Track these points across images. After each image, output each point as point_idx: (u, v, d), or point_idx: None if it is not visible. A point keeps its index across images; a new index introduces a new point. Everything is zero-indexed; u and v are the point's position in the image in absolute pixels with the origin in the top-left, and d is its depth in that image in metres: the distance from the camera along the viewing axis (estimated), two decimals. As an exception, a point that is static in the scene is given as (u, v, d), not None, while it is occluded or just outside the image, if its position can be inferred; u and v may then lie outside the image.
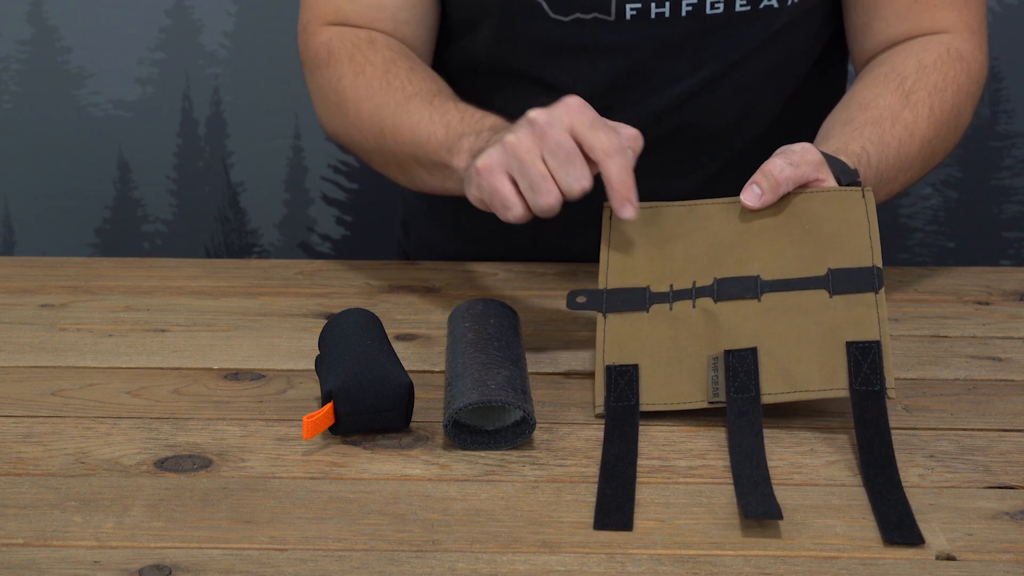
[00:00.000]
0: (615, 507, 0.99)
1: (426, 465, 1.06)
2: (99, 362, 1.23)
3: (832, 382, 1.09)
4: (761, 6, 1.41)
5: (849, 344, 1.10)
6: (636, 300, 1.17)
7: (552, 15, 1.41)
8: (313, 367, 1.17)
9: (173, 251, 2.09)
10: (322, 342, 1.15)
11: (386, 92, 1.37)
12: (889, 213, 2.07)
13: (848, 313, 1.12)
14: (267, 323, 1.31)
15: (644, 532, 0.97)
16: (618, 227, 1.22)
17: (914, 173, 1.39)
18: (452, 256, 1.56)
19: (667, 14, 1.40)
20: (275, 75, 2.01)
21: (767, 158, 1.34)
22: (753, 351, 1.11)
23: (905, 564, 0.93)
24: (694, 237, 1.19)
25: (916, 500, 1.01)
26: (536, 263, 1.47)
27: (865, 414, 1.07)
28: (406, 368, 1.12)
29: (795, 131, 1.41)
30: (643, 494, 1.02)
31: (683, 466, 1.06)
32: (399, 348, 1.22)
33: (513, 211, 1.17)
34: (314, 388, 1.17)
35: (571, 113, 1.17)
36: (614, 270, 1.19)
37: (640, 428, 1.10)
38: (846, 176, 1.25)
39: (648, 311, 1.16)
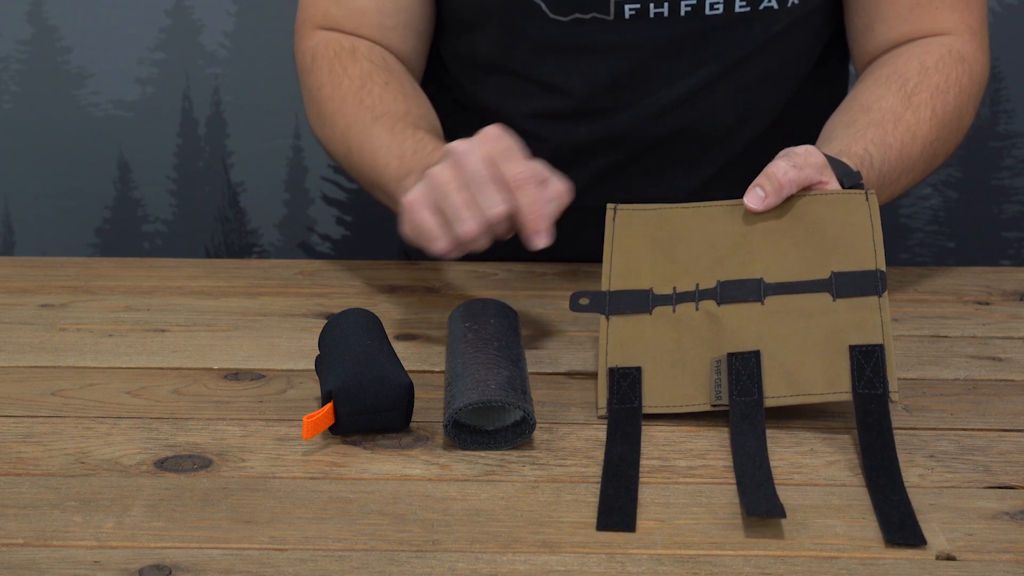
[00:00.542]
0: (618, 508, 0.99)
1: (426, 465, 1.06)
2: (99, 362, 1.23)
3: (835, 386, 1.09)
4: (761, 7, 1.41)
5: (852, 348, 1.10)
6: (639, 302, 1.17)
7: (551, 15, 1.41)
8: (313, 367, 1.17)
9: (173, 251, 2.09)
10: (322, 342, 1.15)
11: (357, 110, 1.38)
12: (889, 213, 2.07)
13: (851, 316, 1.12)
14: (267, 323, 1.31)
15: (644, 532, 0.97)
16: (621, 229, 1.22)
17: (916, 175, 1.39)
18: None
19: (666, 14, 1.40)
20: (275, 75, 2.01)
21: (767, 158, 1.34)
22: (756, 354, 1.11)
23: (905, 564, 0.93)
24: (697, 239, 1.19)
25: (916, 500, 1.01)
26: (536, 263, 1.46)
27: (868, 417, 1.07)
28: (406, 368, 1.12)
29: (795, 131, 1.41)
30: (644, 494, 1.02)
31: (683, 466, 1.06)
32: (399, 348, 1.22)
33: (437, 243, 1.18)
34: (314, 388, 1.17)
35: (487, 143, 1.18)
36: (617, 272, 1.19)
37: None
38: (849, 179, 1.25)
39: (651, 313, 1.16)
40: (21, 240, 2.09)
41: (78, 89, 2.03)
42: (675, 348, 1.14)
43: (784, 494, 1.01)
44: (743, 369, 1.10)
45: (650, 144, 1.47)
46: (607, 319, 1.16)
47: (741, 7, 1.40)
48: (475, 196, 1.16)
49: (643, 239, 1.21)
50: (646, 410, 1.11)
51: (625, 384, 1.12)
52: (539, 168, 1.18)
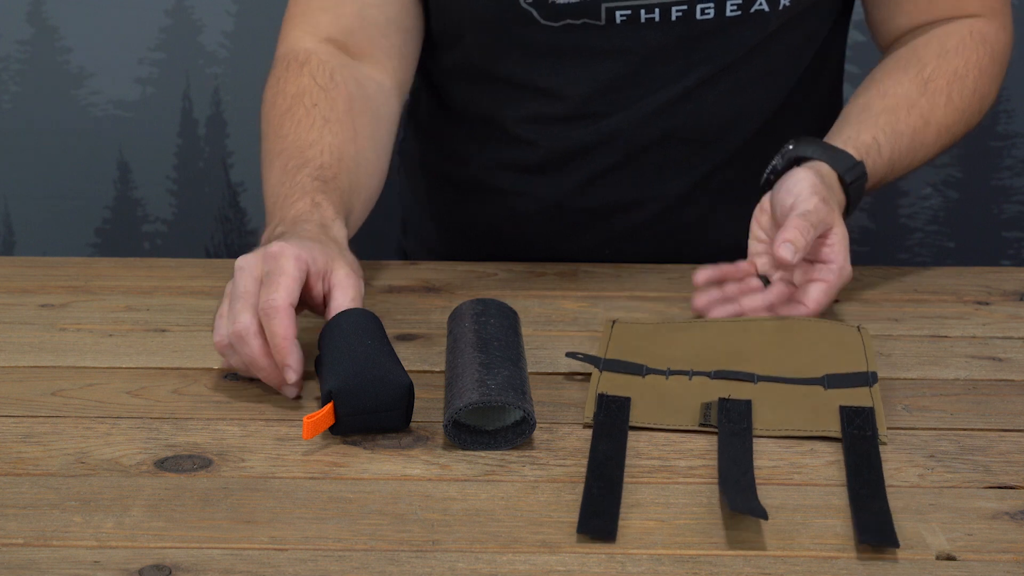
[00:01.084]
0: (600, 512, 0.99)
1: (426, 465, 1.06)
2: (99, 362, 1.23)
3: (825, 426, 1.10)
4: (752, 10, 1.40)
5: (842, 407, 1.12)
6: (632, 368, 1.18)
7: (543, 22, 1.41)
8: (313, 367, 1.17)
9: (173, 251, 2.09)
10: (322, 342, 1.15)
11: (274, 139, 1.36)
12: (889, 213, 2.07)
13: (842, 395, 1.14)
14: (267, 323, 1.31)
15: (644, 532, 0.97)
16: (619, 332, 1.24)
17: (930, 154, 1.42)
18: (451, 256, 1.56)
19: (657, 19, 1.40)
20: (275, 75, 2.01)
21: (760, 160, 1.36)
22: (747, 401, 1.12)
23: (905, 564, 0.93)
24: (692, 344, 1.22)
25: (916, 500, 1.01)
26: (536, 263, 1.47)
27: (856, 447, 1.07)
28: (406, 368, 1.12)
29: (788, 133, 1.41)
30: (643, 494, 1.02)
31: (683, 466, 1.06)
32: (399, 348, 1.22)
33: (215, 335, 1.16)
34: (314, 388, 1.17)
35: (266, 261, 1.16)
36: (612, 354, 1.21)
37: (640, 429, 1.11)
38: (850, 173, 1.29)
39: (643, 377, 1.17)
40: (21, 240, 2.09)
41: (78, 89, 2.03)
42: (666, 391, 1.15)
43: (784, 494, 1.01)
44: (733, 409, 1.11)
45: (643, 147, 1.47)
46: (600, 372, 1.17)
47: (732, 11, 1.40)
48: (231, 309, 1.14)
49: (640, 340, 1.23)
50: (633, 422, 1.11)
51: (614, 406, 1.12)
52: (291, 297, 1.13)
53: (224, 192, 2.07)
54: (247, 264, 1.16)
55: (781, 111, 1.49)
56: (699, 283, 1.28)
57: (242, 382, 1.19)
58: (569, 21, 1.40)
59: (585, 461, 1.06)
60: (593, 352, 1.21)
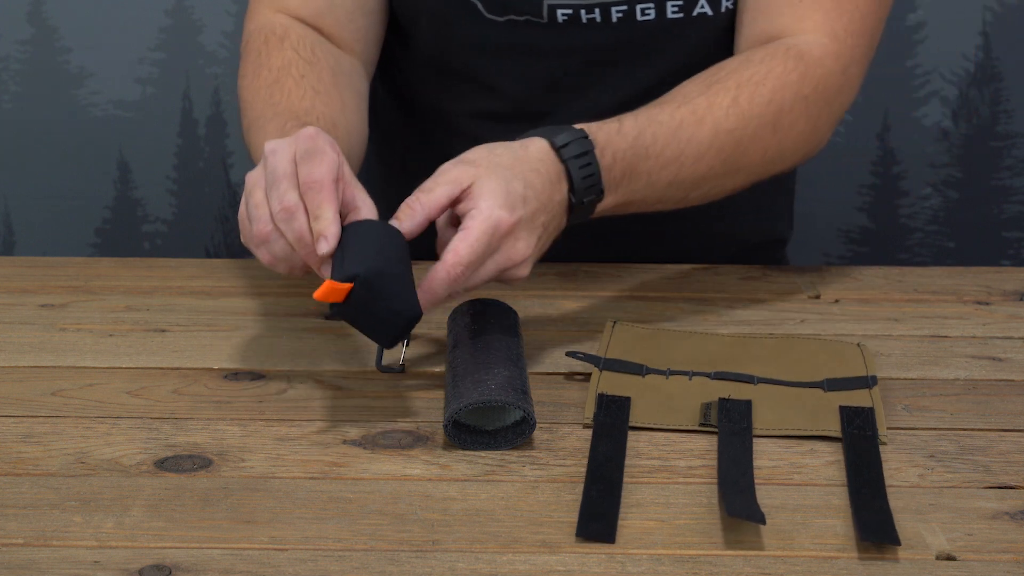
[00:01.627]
0: (599, 514, 0.99)
1: (426, 465, 1.06)
2: (99, 362, 1.23)
3: (825, 426, 1.11)
4: (694, 13, 1.39)
5: (842, 407, 1.12)
6: (632, 368, 1.18)
7: (487, 15, 1.41)
8: (312, 367, 1.17)
9: (173, 251, 2.09)
10: (349, 229, 1.12)
11: (263, 107, 1.34)
12: (889, 213, 2.07)
13: (842, 396, 1.14)
14: (267, 323, 1.31)
15: (644, 532, 0.97)
16: (619, 334, 1.24)
17: (715, 162, 1.30)
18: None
19: (598, 19, 1.40)
20: (275, 75, 2.01)
21: None
22: (748, 401, 1.12)
23: (905, 564, 0.93)
24: (692, 350, 1.22)
25: (916, 500, 1.01)
26: (536, 263, 1.46)
27: (856, 447, 1.07)
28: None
29: None
30: (643, 494, 1.02)
31: (683, 466, 1.06)
32: (399, 348, 1.22)
33: (247, 244, 1.14)
34: (314, 388, 1.17)
35: (296, 142, 1.13)
36: (613, 354, 1.21)
37: (640, 429, 1.11)
38: (562, 137, 1.20)
39: (643, 377, 1.17)
40: (21, 240, 2.09)
41: (78, 89, 2.02)
42: (665, 391, 1.15)
43: (784, 494, 1.01)
44: (733, 409, 1.11)
45: None
46: (600, 372, 1.17)
47: (673, 12, 1.39)
48: (268, 192, 1.12)
49: (640, 340, 1.23)
50: (633, 423, 1.11)
51: (614, 406, 1.12)
52: (333, 173, 1.12)
53: (224, 192, 2.07)
54: (279, 147, 1.13)
55: None
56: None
57: (242, 382, 1.19)
58: (512, 17, 1.40)
59: (585, 461, 1.06)
60: (593, 352, 1.21)
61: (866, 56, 1.38)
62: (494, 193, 1.14)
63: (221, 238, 2.09)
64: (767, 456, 1.07)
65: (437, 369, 1.21)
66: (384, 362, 1.18)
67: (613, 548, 0.95)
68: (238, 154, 2.06)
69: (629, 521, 0.98)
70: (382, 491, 1.02)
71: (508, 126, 1.45)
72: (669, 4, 1.39)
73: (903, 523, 0.98)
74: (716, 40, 1.41)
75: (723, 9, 1.39)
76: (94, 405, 1.15)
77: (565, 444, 1.09)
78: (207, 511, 0.99)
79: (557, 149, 1.20)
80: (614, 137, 1.23)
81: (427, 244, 1.20)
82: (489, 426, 1.08)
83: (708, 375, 1.17)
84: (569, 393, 1.17)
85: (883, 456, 1.06)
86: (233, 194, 2.07)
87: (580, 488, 1.02)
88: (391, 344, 1.10)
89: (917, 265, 2.04)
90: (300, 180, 1.11)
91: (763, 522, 0.96)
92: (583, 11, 1.39)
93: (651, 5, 1.38)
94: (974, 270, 1.45)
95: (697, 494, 1.02)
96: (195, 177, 2.07)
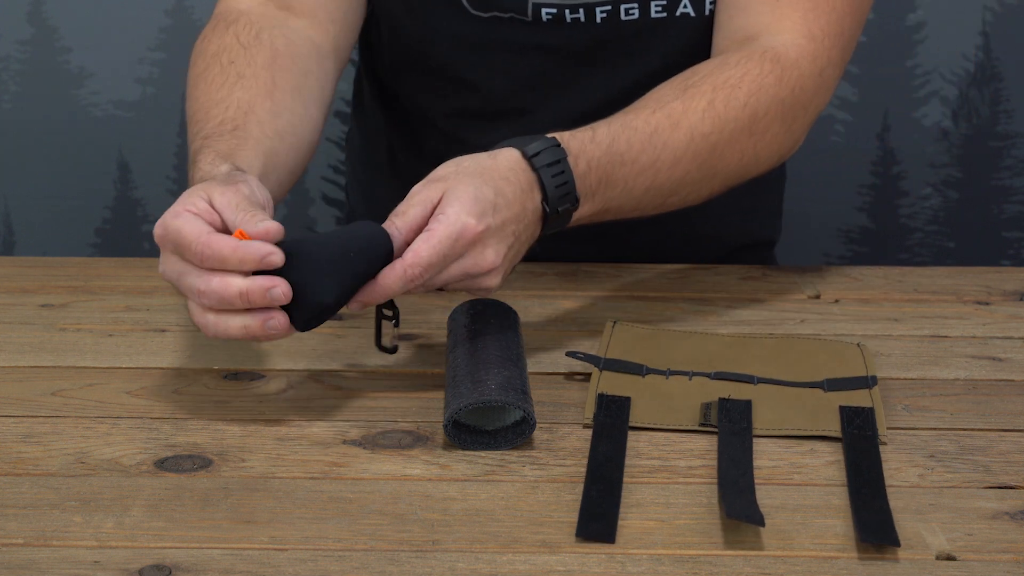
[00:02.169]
0: (599, 514, 0.99)
1: (426, 465, 1.06)
2: (99, 362, 1.23)
3: (824, 426, 1.11)
4: (678, 13, 1.39)
5: (842, 407, 1.12)
6: (633, 369, 1.18)
7: (471, 11, 1.41)
8: (312, 367, 1.17)
9: (173, 251, 2.09)
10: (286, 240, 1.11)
11: (189, 99, 1.33)
12: (889, 213, 2.07)
13: (842, 396, 1.14)
14: (267, 323, 1.31)
15: (644, 532, 0.97)
16: (619, 333, 1.24)
17: (694, 168, 1.29)
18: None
19: (582, 19, 1.40)
20: (275, 75, 2.01)
21: None
22: (748, 401, 1.12)
23: (905, 564, 0.93)
24: (692, 350, 1.22)
25: (916, 500, 1.01)
26: (536, 263, 1.46)
27: (856, 447, 1.07)
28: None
29: None
30: (643, 494, 1.02)
31: (683, 466, 1.06)
32: (399, 348, 1.22)
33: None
34: (314, 388, 1.17)
35: (163, 246, 1.10)
36: (613, 354, 1.21)
37: (640, 429, 1.11)
38: (532, 146, 1.19)
39: (643, 376, 1.17)
40: (21, 240, 2.09)
41: (78, 89, 2.03)
42: (665, 391, 1.15)
43: (784, 494, 1.01)
44: (733, 408, 1.11)
45: None
46: (600, 372, 1.17)
47: (657, 12, 1.39)
48: (187, 298, 1.11)
49: (640, 341, 1.23)
50: (633, 422, 1.11)
51: (614, 406, 1.12)
52: (203, 238, 1.08)
53: (224, 192, 2.07)
54: (162, 255, 1.11)
55: None
56: None
57: (242, 382, 1.19)
58: (497, 13, 1.41)
59: (585, 461, 1.06)
60: (593, 352, 1.21)
61: (842, 58, 1.37)
62: (461, 199, 1.13)
63: (221, 238, 2.09)
64: (767, 456, 1.07)
65: (437, 369, 1.21)
66: (383, 343, 1.19)
67: (613, 548, 0.95)
68: (238, 154, 2.06)
69: (629, 521, 0.98)
70: (382, 491, 1.02)
71: (485, 125, 1.45)
72: (653, 4, 1.39)
73: (903, 523, 0.98)
74: (699, 41, 1.41)
75: (706, 12, 1.39)
76: (94, 405, 1.15)
77: (565, 444, 1.09)
78: (207, 511, 0.99)
79: (529, 158, 1.18)
80: (588, 145, 1.22)
81: None
82: (489, 426, 1.08)
83: (708, 375, 1.17)
84: (569, 393, 1.17)
85: (883, 456, 1.06)
86: (233, 194, 2.07)
87: (580, 488, 1.02)
88: (303, 327, 1.09)
89: (917, 265, 2.04)
90: (196, 264, 1.08)
91: (762, 524, 0.96)
92: (567, 10, 1.39)
93: (635, 5, 1.38)
94: (974, 270, 1.45)
95: (697, 494, 1.02)
96: (195, 177, 2.07)
